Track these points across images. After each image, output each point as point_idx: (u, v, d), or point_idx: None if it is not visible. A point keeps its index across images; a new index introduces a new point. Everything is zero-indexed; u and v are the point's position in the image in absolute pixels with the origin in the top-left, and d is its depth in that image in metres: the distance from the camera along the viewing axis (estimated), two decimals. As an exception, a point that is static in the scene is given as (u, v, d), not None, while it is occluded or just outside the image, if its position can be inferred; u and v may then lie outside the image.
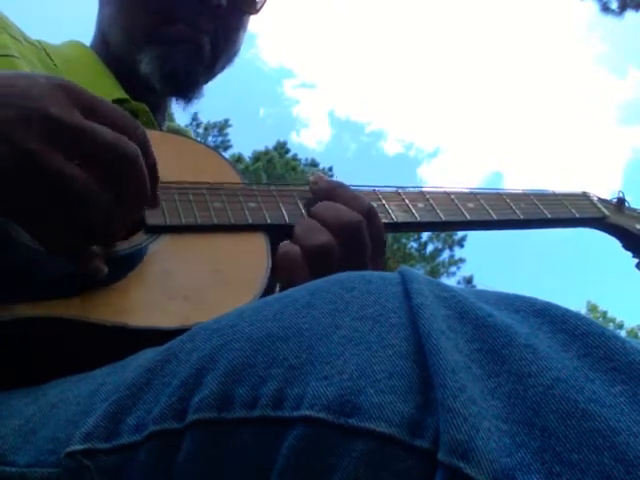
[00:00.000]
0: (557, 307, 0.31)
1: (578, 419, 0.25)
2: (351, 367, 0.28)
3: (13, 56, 0.71)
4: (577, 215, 0.80)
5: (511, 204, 0.76)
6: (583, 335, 0.28)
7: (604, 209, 0.83)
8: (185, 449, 0.30)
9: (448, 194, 0.76)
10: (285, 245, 0.57)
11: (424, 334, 0.28)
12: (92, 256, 0.50)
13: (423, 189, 0.76)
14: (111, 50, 0.81)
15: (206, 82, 0.85)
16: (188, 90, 0.81)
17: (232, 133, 12.84)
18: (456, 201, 0.74)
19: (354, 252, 0.57)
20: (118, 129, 0.48)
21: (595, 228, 0.84)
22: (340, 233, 0.57)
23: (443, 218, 0.71)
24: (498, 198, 0.77)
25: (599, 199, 0.85)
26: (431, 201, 0.74)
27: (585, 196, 0.84)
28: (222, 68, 0.86)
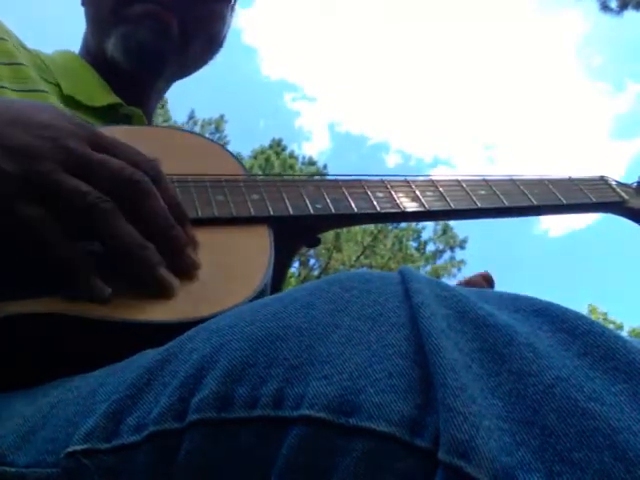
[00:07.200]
0: (557, 307, 0.31)
1: (578, 418, 0.25)
2: (351, 366, 0.28)
3: (22, 64, 0.72)
4: (594, 200, 0.77)
5: (525, 190, 0.74)
6: (583, 334, 0.28)
7: (623, 193, 0.80)
8: (185, 449, 0.30)
9: (459, 182, 0.73)
10: None
11: (424, 333, 0.28)
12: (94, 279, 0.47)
13: (432, 177, 0.74)
14: (92, 52, 0.83)
15: (183, 69, 0.85)
16: (154, 65, 0.80)
17: (232, 140, 12.79)
18: (467, 188, 0.72)
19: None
20: (130, 163, 0.48)
21: (613, 213, 0.81)
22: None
23: (453, 206, 0.69)
24: (511, 184, 0.75)
25: (617, 183, 0.82)
26: (440, 189, 0.71)
27: (603, 180, 0.82)
28: (202, 59, 0.86)
